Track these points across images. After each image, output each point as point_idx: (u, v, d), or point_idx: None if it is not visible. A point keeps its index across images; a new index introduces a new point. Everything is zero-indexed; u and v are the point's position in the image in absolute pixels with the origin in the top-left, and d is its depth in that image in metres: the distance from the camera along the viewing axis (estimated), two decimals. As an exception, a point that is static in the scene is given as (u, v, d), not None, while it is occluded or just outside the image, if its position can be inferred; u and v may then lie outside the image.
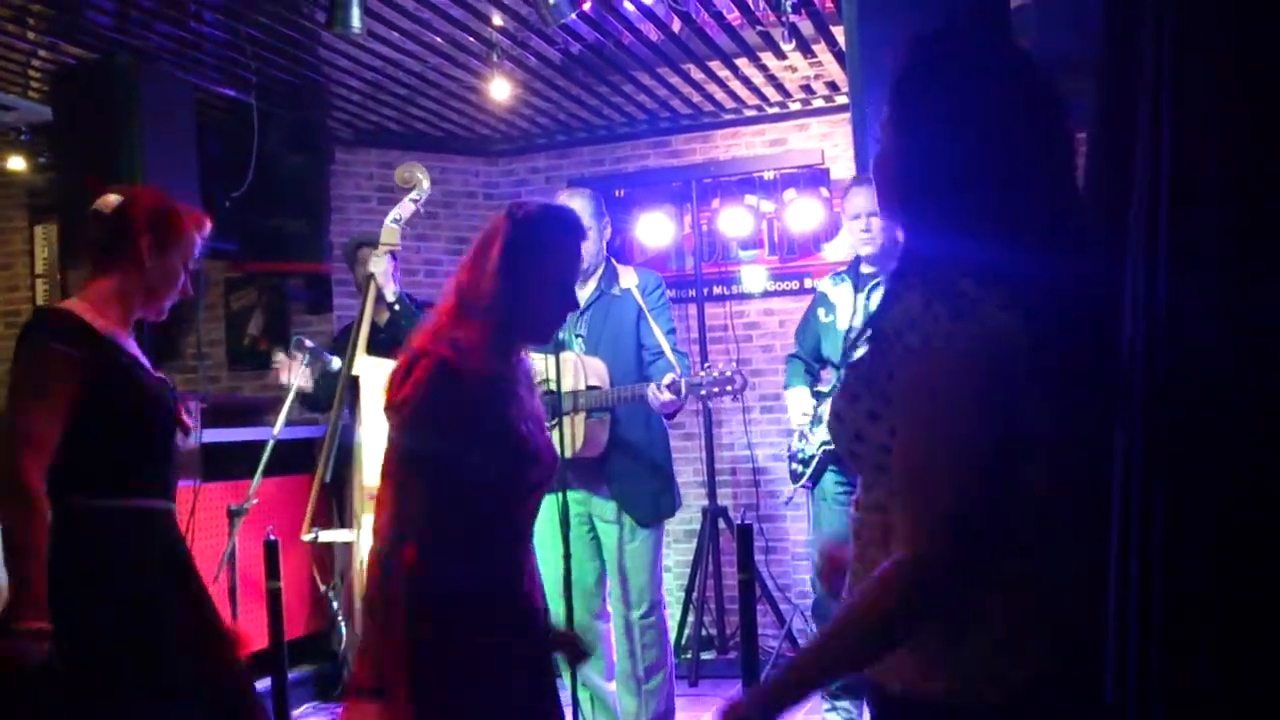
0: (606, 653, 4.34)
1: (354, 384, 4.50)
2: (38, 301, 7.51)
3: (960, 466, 1.53)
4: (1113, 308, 1.55)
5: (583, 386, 4.13)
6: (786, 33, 5.35)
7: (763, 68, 6.02)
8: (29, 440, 2.52)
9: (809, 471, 4.63)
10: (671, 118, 6.90)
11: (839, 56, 5.68)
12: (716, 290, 6.87)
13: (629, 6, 5.17)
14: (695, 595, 6.28)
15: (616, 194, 6.73)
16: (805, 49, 5.69)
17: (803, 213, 6.40)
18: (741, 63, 5.94)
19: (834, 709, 4.55)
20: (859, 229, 4.60)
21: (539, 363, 4.05)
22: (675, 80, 6.19)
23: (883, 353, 1.60)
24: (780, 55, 5.79)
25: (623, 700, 4.34)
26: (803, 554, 6.55)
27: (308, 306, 6.98)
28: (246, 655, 2.98)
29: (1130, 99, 1.56)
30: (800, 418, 4.69)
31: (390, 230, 4.53)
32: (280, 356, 4.90)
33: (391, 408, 2.29)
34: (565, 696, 2.93)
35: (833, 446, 4.51)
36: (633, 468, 4.30)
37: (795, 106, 6.73)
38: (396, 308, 4.62)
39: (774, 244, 6.82)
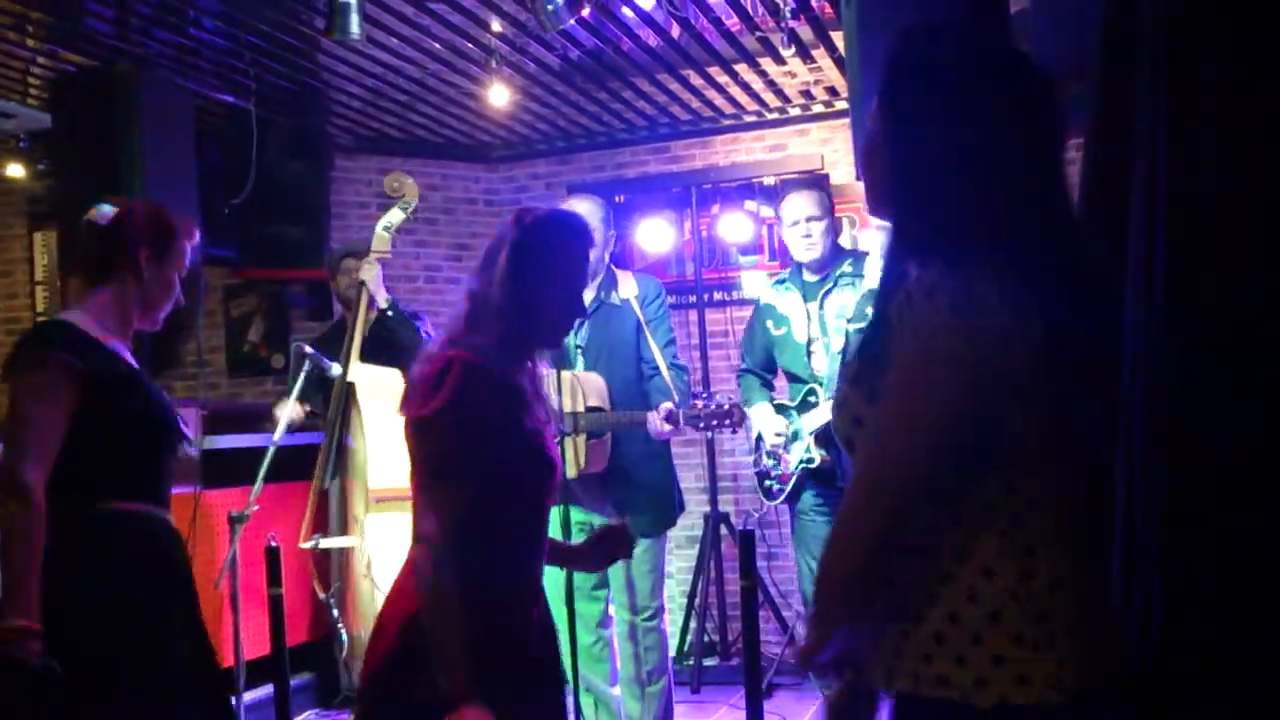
0: (610, 657, 4.34)
1: (349, 390, 4.52)
2: (38, 308, 7.52)
3: (904, 477, 1.57)
4: (1112, 321, 1.55)
5: (581, 408, 4.11)
6: (786, 38, 5.36)
7: (762, 73, 6.02)
8: (31, 444, 2.51)
9: (787, 489, 4.59)
10: (671, 123, 6.90)
11: (838, 62, 5.68)
12: (717, 296, 6.87)
13: (628, 12, 5.17)
14: (698, 601, 6.28)
15: (617, 200, 6.73)
16: (804, 54, 5.69)
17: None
18: (741, 68, 5.94)
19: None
20: (799, 234, 4.57)
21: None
22: (675, 86, 6.19)
23: (886, 335, 1.60)
24: (779, 61, 5.79)
25: (626, 704, 4.35)
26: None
27: (308, 313, 6.98)
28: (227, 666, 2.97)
29: (1127, 112, 1.57)
30: (774, 437, 4.60)
31: (382, 238, 4.55)
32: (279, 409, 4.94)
33: (428, 416, 2.25)
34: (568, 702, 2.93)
35: (813, 464, 4.50)
36: (635, 480, 4.30)
37: (795, 112, 6.73)
38: (390, 314, 4.64)
39: (774, 249, 6.81)
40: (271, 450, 4.45)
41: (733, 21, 5.34)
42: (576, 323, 4.23)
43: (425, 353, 2.38)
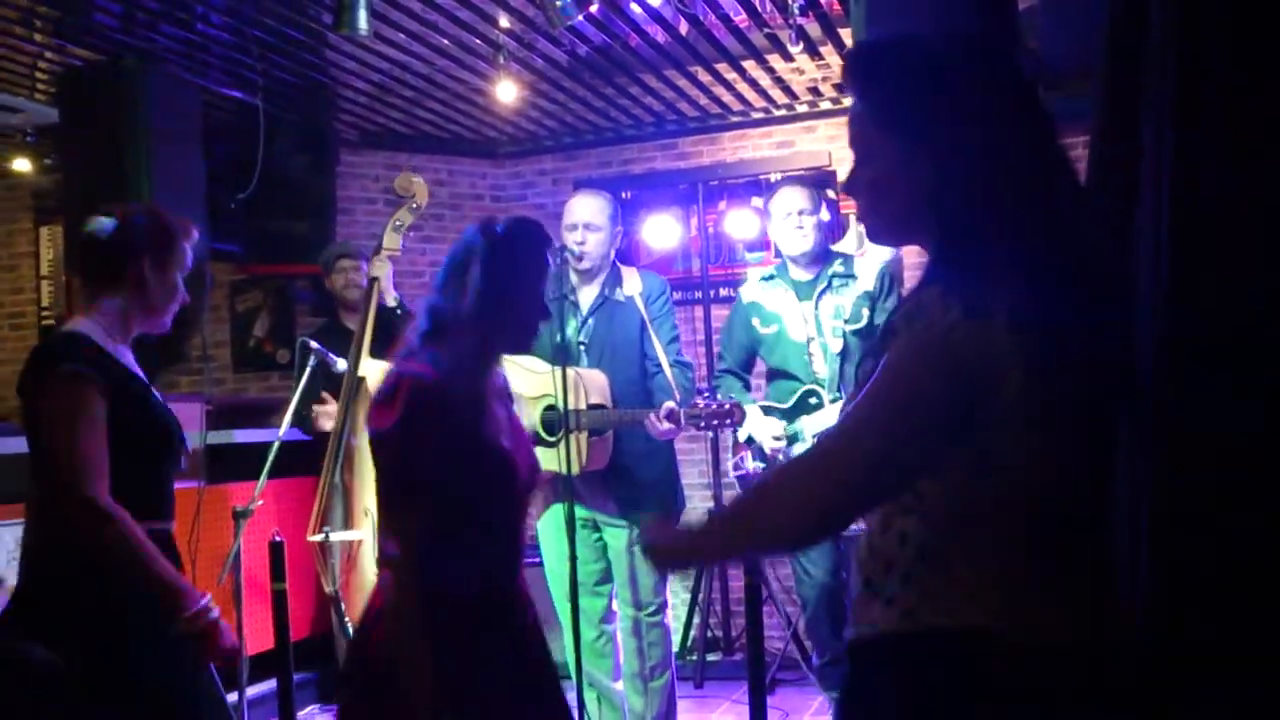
0: (614, 653, 4.35)
1: (359, 385, 4.54)
2: (43, 303, 7.53)
3: (870, 460, 1.55)
4: (1117, 321, 1.55)
5: (583, 405, 4.11)
6: (794, 35, 5.35)
7: (770, 70, 6.02)
8: (91, 462, 2.52)
9: None
10: (678, 120, 6.90)
11: (846, 59, 5.67)
12: (723, 292, 6.86)
13: (636, 9, 5.17)
14: (701, 597, 6.29)
15: (624, 196, 6.74)
16: (812, 51, 5.69)
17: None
18: (748, 65, 5.93)
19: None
20: (792, 227, 4.56)
21: (544, 380, 4.06)
22: (682, 82, 6.19)
23: (894, 342, 1.59)
24: (787, 57, 5.78)
25: (630, 700, 4.35)
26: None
27: (313, 309, 6.97)
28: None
29: (1132, 112, 1.56)
30: (774, 441, 4.57)
31: (393, 236, 4.57)
32: (316, 409, 5.01)
33: (381, 436, 2.32)
34: (571, 698, 2.93)
35: None
36: (637, 477, 4.30)
37: (802, 109, 6.72)
38: (399, 312, 4.69)
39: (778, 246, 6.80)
40: (276, 445, 4.47)
41: (741, 18, 5.34)
42: (576, 321, 4.28)
43: (386, 370, 2.43)
